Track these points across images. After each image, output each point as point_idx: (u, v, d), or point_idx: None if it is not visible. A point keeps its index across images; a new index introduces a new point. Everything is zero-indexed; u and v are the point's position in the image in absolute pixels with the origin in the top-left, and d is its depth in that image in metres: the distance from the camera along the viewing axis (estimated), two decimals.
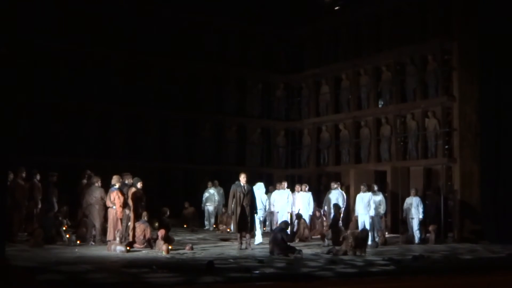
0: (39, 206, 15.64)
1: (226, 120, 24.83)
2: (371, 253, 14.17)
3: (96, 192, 14.79)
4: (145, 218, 14.43)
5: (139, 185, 14.63)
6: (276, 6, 24.00)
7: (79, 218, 15.75)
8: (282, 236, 13.62)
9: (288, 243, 13.83)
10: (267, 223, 20.07)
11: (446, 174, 19.53)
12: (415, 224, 17.50)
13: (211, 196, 20.98)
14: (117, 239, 13.49)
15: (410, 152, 20.67)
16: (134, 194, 14.38)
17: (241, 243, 14.44)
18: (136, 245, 14.04)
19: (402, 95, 21.36)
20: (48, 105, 21.27)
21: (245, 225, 14.50)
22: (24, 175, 15.03)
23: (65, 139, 21.31)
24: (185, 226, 20.41)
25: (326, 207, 18.31)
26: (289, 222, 18.31)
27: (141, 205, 14.60)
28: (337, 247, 14.33)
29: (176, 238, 15.64)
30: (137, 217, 14.31)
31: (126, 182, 14.72)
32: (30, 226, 15.30)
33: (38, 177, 15.79)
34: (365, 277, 10.61)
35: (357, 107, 23.00)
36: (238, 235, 14.66)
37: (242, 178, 14.63)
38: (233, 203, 14.45)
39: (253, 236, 15.73)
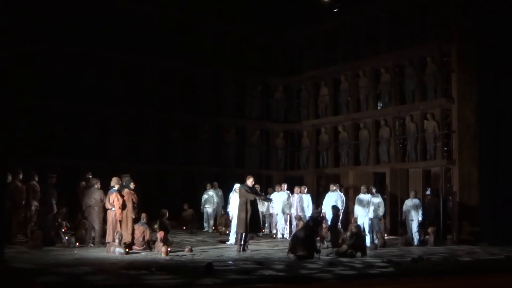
0: (33, 208, 15.61)
1: (225, 122, 24.83)
2: (370, 255, 14.16)
3: (95, 194, 14.78)
4: (144, 220, 14.43)
5: (131, 185, 14.57)
6: (275, 8, 24.02)
7: (78, 220, 15.74)
8: (313, 227, 13.56)
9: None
10: (266, 225, 20.08)
11: (445, 176, 19.54)
12: (414, 226, 17.52)
13: (210, 198, 20.94)
14: (116, 241, 13.48)
15: (409, 154, 20.67)
16: (128, 195, 14.28)
17: (241, 245, 14.43)
18: (135, 247, 14.04)
19: (401, 97, 21.38)
20: (47, 106, 21.27)
21: (256, 226, 14.75)
22: (21, 177, 15.01)
23: (64, 140, 21.29)
24: (184, 228, 20.39)
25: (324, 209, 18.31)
26: (289, 224, 18.42)
27: (134, 206, 14.52)
28: (335, 249, 14.35)
29: (175, 240, 15.64)
30: (135, 219, 14.30)
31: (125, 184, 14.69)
32: (25, 228, 15.30)
33: (36, 178, 15.78)
34: (364, 279, 10.61)
35: (356, 109, 23.01)
36: (239, 237, 14.65)
37: (250, 182, 14.68)
38: (243, 203, 14.46)
39: (252, 238, 15.83)
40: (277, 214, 18.75)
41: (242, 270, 10.69)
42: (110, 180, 14.24)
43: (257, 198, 14.74)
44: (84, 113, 22.18)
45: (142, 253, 13.61)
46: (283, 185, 19.15)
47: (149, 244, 14.19)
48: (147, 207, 15.76)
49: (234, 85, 25.39)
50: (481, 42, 18.82)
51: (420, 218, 17.47)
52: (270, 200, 17.17)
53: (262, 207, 19.29)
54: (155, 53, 23.27)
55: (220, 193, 20.99)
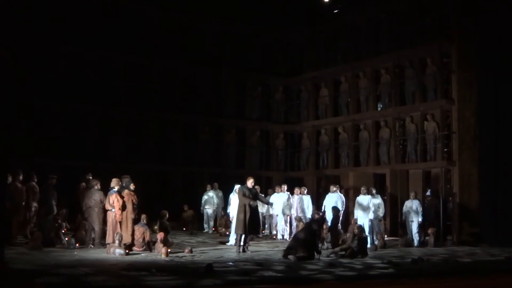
0: (32, 209, 15.59)
1: (225, 123, 24.82)
2: (370, 256, 14.16)
3: (95, 195, 14.77)
4: (144, 221, 14.41)
5: (131, 186, 14.57)
6: (275, 9, 24.03)
7: (78, 221, 15.73)
8: (316, 230, 13.56)
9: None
10: (266, 226, 20.08)
11: (445, 177, 19.54)
12: (414, 227, 17.51)
13: (210, 199, 20.94)
14: (116, 242, 13.46)
15: (409, 155, 20.67)
16: (128, 196, 14.26)
17: (240, 246, 14.41)
18: (135, 248, 14.03)
19: (401, 98, 21.37)
20: (47, 106, 21.27)
21: (254, 228, 14.71)
22: (21, 177, 15.00)
23: (64, 141, 21.28)
24: (184, 229, 20.40)
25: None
26: (289, 225, 18.41)
27: (134, 207, 14.49)
28: (336, 249, 14.36)
29: (175, 241, 15.63)
30: (135, 220, 14.28)
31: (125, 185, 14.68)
32: (24, 229, 15.28)
33: (35, 179, 15.76)
34: (365, 280, 10.62)
35: (356, 110, 23.00)
36: (238, 238, 14.63)
37: (250, 183, 14.64)
38: (241, 205, 14.41)
39: (252, 239, 15.80)
40: (277, 215, 18.74)
41: (242, 271, 10.68)
42: (110, 181, 14.23)
43: (251, 203, 14.50)
44: (84, 113, 22.18)
45: (142, 254, 13.60)
46: (283, 186, 19.13)
47: (149, 245, 14.17)
48: (147, 208, 15.73)
49: (234, 85, 25.38)
50: (481, 42, 18.81)
51: (420, 219, 17.46)
52: (270, 204, 17.02)
53: (262, 208, 19.29)
54: (155, 53, 23.27)
55: (220, 194, 20.99)
